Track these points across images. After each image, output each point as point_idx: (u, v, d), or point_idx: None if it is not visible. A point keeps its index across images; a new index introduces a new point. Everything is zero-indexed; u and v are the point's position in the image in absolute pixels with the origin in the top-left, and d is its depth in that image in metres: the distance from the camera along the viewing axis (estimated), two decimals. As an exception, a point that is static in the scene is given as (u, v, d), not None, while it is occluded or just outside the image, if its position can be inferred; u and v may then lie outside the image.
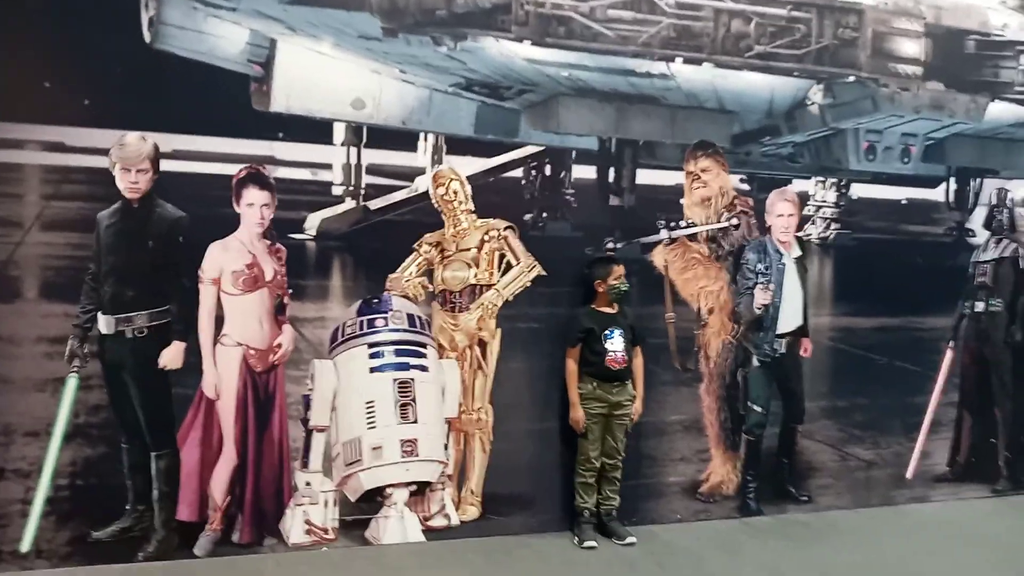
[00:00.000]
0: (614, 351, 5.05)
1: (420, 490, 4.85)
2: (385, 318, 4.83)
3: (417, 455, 4.70)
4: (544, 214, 5.53)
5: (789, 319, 5.48)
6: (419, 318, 4.94)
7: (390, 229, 5.15)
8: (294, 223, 4.99)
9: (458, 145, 5.31)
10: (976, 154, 6.42)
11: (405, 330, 4.85)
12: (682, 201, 5.60)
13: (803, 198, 5.82)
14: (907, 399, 6.19)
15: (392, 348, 4.78)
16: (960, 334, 6.22)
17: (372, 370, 4.74)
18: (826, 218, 6.26)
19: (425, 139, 5.27)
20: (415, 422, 4.72)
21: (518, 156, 5.49)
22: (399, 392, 4.73)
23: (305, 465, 4.74)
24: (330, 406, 4.73)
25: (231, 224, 4.65)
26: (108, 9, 4.63)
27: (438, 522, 4.95)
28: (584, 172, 5.68)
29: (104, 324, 4.43)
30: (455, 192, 5.09)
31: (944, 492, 6.10)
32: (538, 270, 5.13)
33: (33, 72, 4.45)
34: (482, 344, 5.11)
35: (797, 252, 5.52)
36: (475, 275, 5.06)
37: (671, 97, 5.62)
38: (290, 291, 4.77)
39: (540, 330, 5.33)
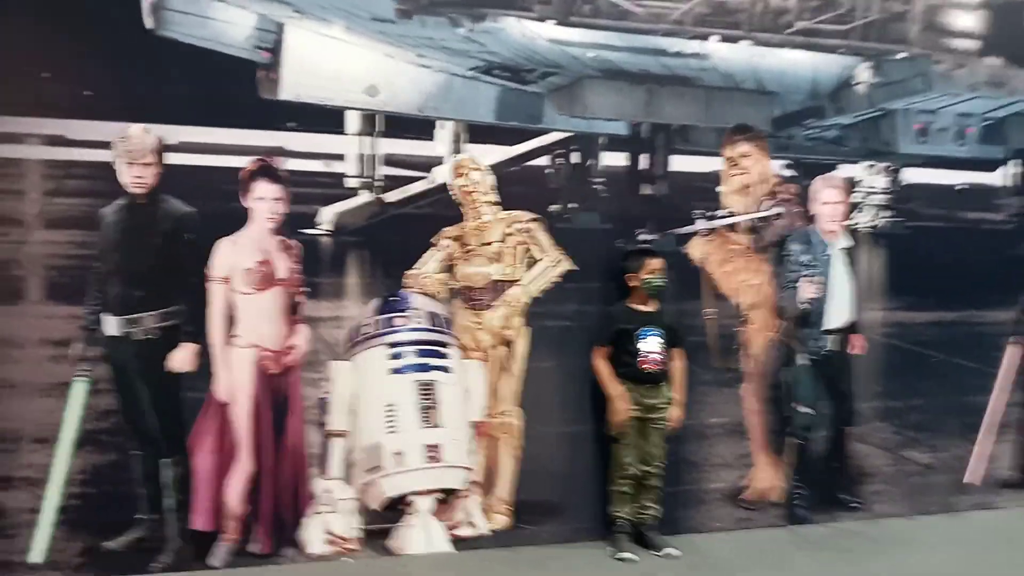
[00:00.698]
0: (648, 352, 4.86)
1: (446, 498, 4.76)
2: (405, 317, 4.75)
3: (441, 461, 4.62)
4: (571, 205, 5.49)
5: (837, 314, 5.30)
6: (441, 316, 4.86)
7: (408, 223, 5.12)
8: (307, 218, 4.95)
9: (479, 133, 5.28)
10: (1038, 134, 6.41)
11: (426, 329, 4.76)
12: (719, 189, 5.50)
13: (851, 184, 5.79)
14: (966, 398, 6.03)
15: (413, 348, 4.70)
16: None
17: (392, 371, 4.66)
18: (875, 205, 6.20)
19: (443, 127, 5.24)
20: (438, 426, 4.64)
21: (543, 143, 5.48)
22: (421, 395, 4.64)
23: (324, 472, 4.66)
24: (348, 410, 4.66)
25: (241, 219, 4.57)
26: (109, -5, 4.70)
27: (465, 531, 4.83)
28: (614, 159, 5.68)
29: (111, 326, 4.39)
30: (476, 182, 4.98)
31: (1009, 498, 5.88)
32: (566, 264, 5.02)
33: (31, 62, 4.44)
34: (508, 344, 5.02)
35: (845, 242, 5.36)
36: (499, 271, 4.96)
37: (706, 78, 5.57)
38: (305, 289, 4.70)
39: (570, 328, 5.24)
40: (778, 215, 5.40)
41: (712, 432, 5.56)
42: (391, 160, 5.14)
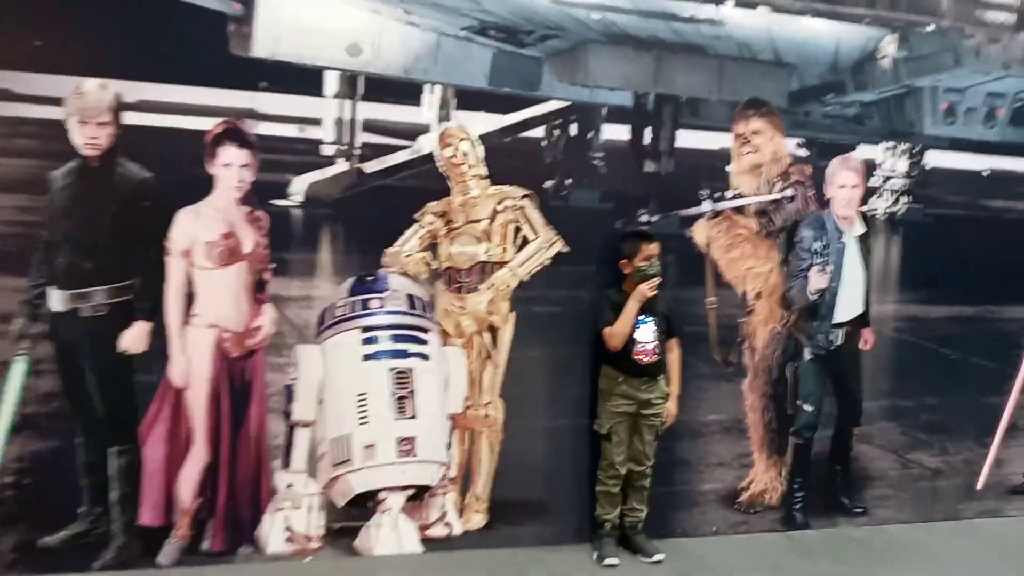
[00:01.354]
0: (643, 342, 4.74)
1: (418, 495, 4.67)
2: (381, 299, 4.62)
3: (415, 455, 4.51)
4: (568, 181, 5.42)
5: (848, 306, 5.19)
6: (420, 299, 4.74)
7: (388, 196, 5.05)
8: (278, 187, 4.89)
9: (469, 99, 5.21)
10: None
11: (404, 312, 4.64)
12: (729, 168, 5.37)
13: (869, 167, 5.67)
14: (982, 400, 5.93)
15: (389, 333, 4.58)
16: (1046, 327, 6.14)
17: (365, 357, 4.55)
18: (895, 190, 6.12)
19: (431, 91, 5.18)
20: (413, 418, 4.53)
21: (539, 113, 5.41)
22: (396, 383, 4.53)
23: (286, 465, 4.58)
24: (316, 398, 4.56)
25: (205, 187, 4.45)
26: (64, -64, 4.60)
27: (438, 531, 4.77)
28: (616, 132, 5.61)
29: (57, 301, 4.27)
30: (464, 154, 4.85)
31: (1020, 506, 5.83)
32: (559, 246, 4.90)
33: (-27, 10, 4.33)
34: (492, 330, 4.91)
35: (860, 229, 5.23)
36: (486, 251, 4.85)
37: (719, 46, 5.46)
38: (272, 265, 4.59)
39: (560, 315, 5.17)
40: (790, 198, 5.29)
41: (709, 429, 5.50)
42: (372, 126, 5.09)
